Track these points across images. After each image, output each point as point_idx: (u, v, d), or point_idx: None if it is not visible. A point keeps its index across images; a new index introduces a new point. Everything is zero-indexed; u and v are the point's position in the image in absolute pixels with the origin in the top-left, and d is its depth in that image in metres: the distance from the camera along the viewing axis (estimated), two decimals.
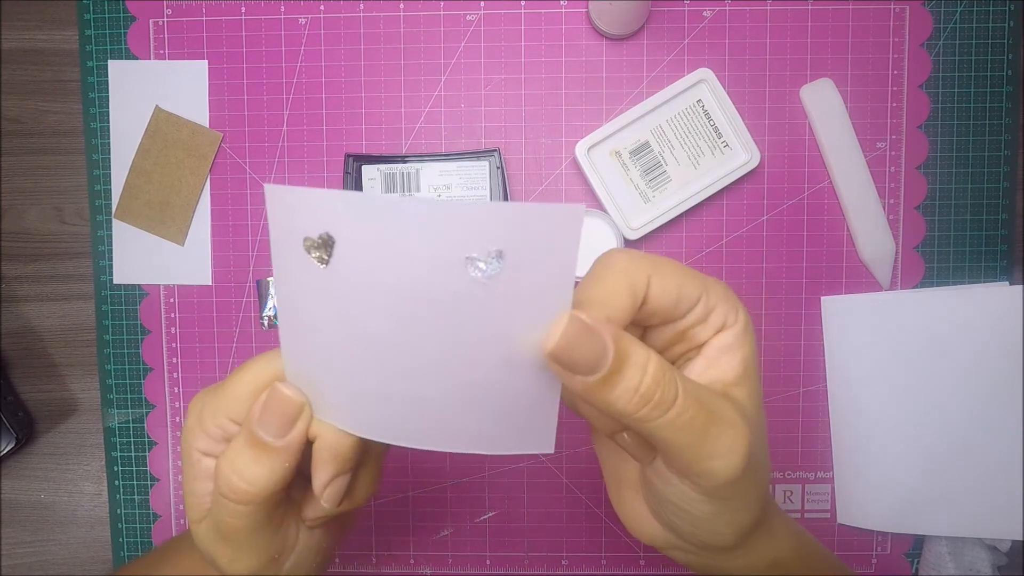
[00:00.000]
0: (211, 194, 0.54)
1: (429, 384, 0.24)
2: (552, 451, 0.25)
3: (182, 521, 0.55)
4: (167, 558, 0.38)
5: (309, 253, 0.23)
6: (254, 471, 0.27)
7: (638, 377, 0.23)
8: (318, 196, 0.22)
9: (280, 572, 0.31)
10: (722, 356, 0.27)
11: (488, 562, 0.55)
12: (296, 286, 0.24)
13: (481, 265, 0.21)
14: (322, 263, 0.23)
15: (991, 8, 0.51)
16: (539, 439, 0.25)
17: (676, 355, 0.29)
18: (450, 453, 0.54)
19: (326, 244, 0.22)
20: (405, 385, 0.24)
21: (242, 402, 0.28)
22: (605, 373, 0.23)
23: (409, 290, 0.22)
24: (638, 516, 0.29)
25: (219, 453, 0.28)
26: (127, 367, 0.55)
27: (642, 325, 0.28)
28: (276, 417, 0.27)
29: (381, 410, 0.25)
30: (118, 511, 0.55)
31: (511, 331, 0.22)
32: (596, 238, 0.49)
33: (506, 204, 0.21)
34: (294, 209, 0.23)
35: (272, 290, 0.54)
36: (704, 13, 0.52)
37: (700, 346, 0.27)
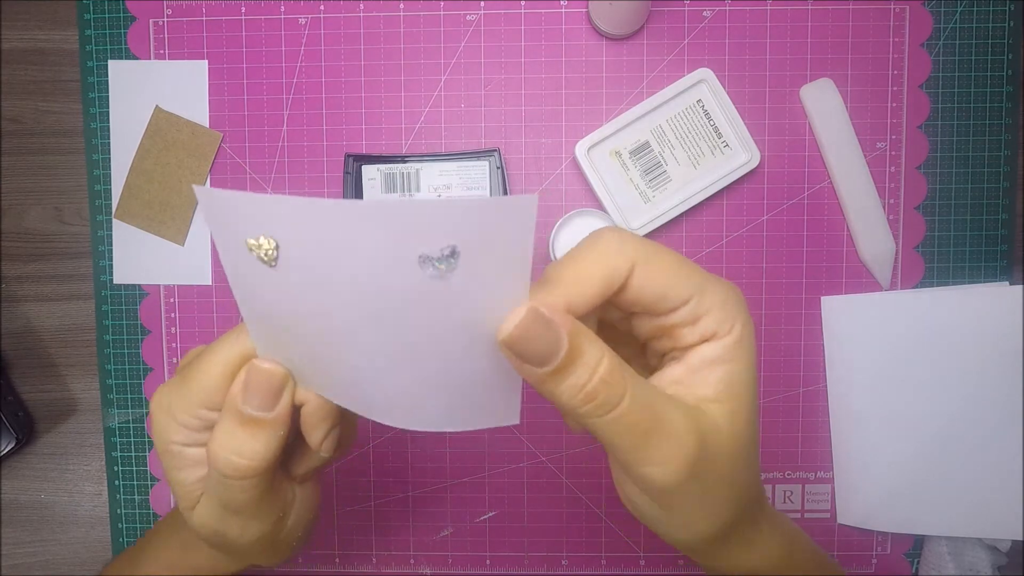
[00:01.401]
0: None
1: (394, 369, 0.24)
2: (518, 422, 0.26)
3: None
4: (145, 552, 0.38)
5: (252, 253, 0.23)
6: (252, 447, 0.27)
7: (586, 376, 0.23)
8: (255, 201, 0.22)
9: (285, 527, 0.32)
10: (704, 367, 0.25)
11: (488, 562, 0.55)
12: (249, 281, 0.24)
13: (435, 263, 0.21)
14: (270, 265, 0.23)
15: (991, 8, 0.51)
16: (505, 413, 0.26)
17: (660, 350, 0.27)
18: (449, 451, 0.54)
19: (270, 247, 0.22)
20: (371, 369, 0.25)
21: (217, 389, 0.28)
22: (556, 367, 0.23)
23: (365, 287, 0.22)
24: (625, 496, 0.29)
25: (201, 441, 0.29)
26: (127, 367, 0.55)
27: (624, 310, 0.27)
28: (261, 392, 0.27)
29: (350, 388, 0.26)
30: (118, 511, 0.55)
31: (472, 319, 0.23)
32: None
33: (456, 201, 0.21)
34: (233, 211, 0.22)
35: None
36: (704, 13, 0.52)
37: (686, 348, 0.26)
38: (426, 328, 0.23)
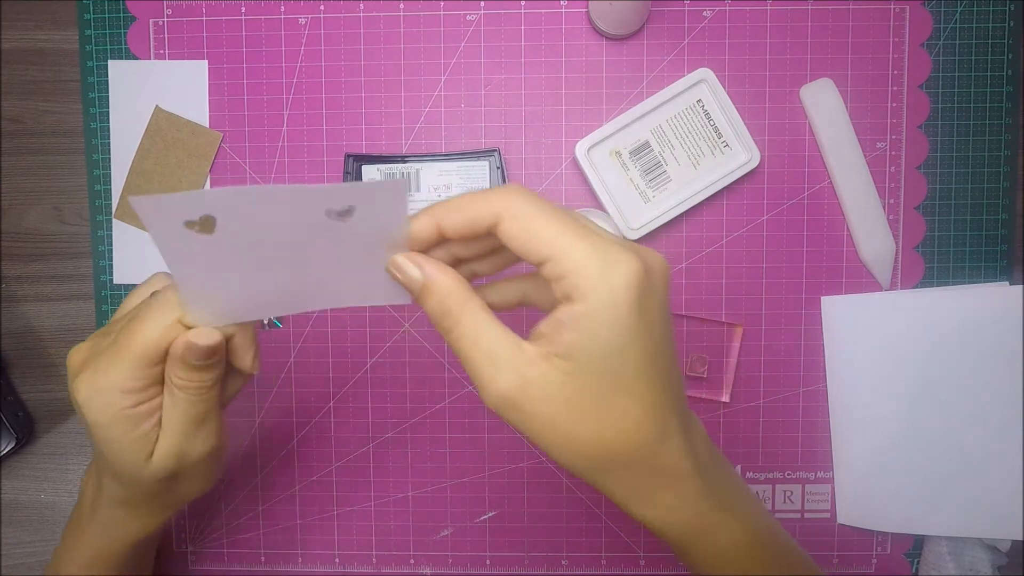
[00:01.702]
0: None
1: (313, 286, 0.33)
2: (409, 302, 0.33)
3: (182, 521, 0.55)
4: (69, 546, 0.42)
5: (192, 229, 0.29)
6: (202, 376, 0.34)
7: (431, 304, 0.30)
8: (196, 197, 0.28)
9: (225, 446, 0.39)
10: (560, 326, 0.28)
11: (488, 562, 0.55)
12: (185, 253, 0.30)
13: (338, 214, 0.29)
14: (208, 233, 0.29)
15: (991, 8, 0.51)
16: (398, 295, 0.33)
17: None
18: (449, 451, 0.54)
19: (208, 222, 0.29)
20: (296, 282, 0.33)
21: (157, 353, 0.33)
22: (417, 294, 0.31)
23: (286, 238, 0.30)
24: None
25: (148, 396, 0.34)
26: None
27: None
28: (200, 359, 0.33)
29: (278, 300, 0.33)
30: None
31: (367, 244, 0.31)
32: None
33: (347, 184, 0.31)
34: (174, 207, 0.28)
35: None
36: (704, 13, 0.52)
37: (555, 302, 0.29)
38: (335, 246, 0.31)
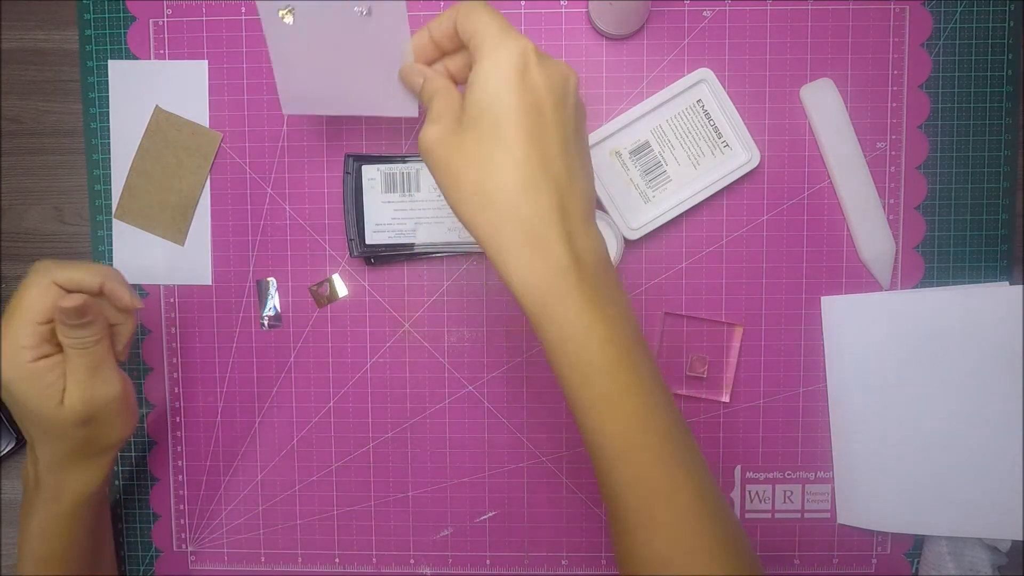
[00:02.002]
0: (211, 194, 0.54)
1: (349, 89, 0.44)
2: (416, 115, 0.44)
3: (182, 521, 0.55)
4: (25, 527, 0.46)
5: (281, 17, 0.41)
6: (83, 333, 0.42)
7: (427, 94, 0.39)
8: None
9: (129, 393, 0.46)
10: (468, 86, 0.36)
11: (488, 562, 0.55)
12: (280, 36, 0.42)
13: (361, 12, 0.40)
14: (290, 22, 0.41)
15: (991, 8, 0.51)
16: (406, 107, 0.43)
17: None
18: (449, 451, 0.54)
19: (289, 12, 0.41)
20: (338, 92, 0.44)
21: (37, 319, 0.41)
22: (419, 91, 0.40)
23: (332, 37, 0.42)
24: None
25: (46, 351, 0.42)
26: (127, 367, 0.55)
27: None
28: (73, 318, 0.41)
29: (336, 95, 0.45)
30: (118, 511, 0.55)
31: (387, 65, 0.42)
32: None
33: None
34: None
35: (272, 290, 0.54)
36: (704, 13, 0.52)
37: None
38: (363, 49, 0.41)
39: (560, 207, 0.35)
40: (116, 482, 0.55)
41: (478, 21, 0.36)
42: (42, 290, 0.41)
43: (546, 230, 0.35)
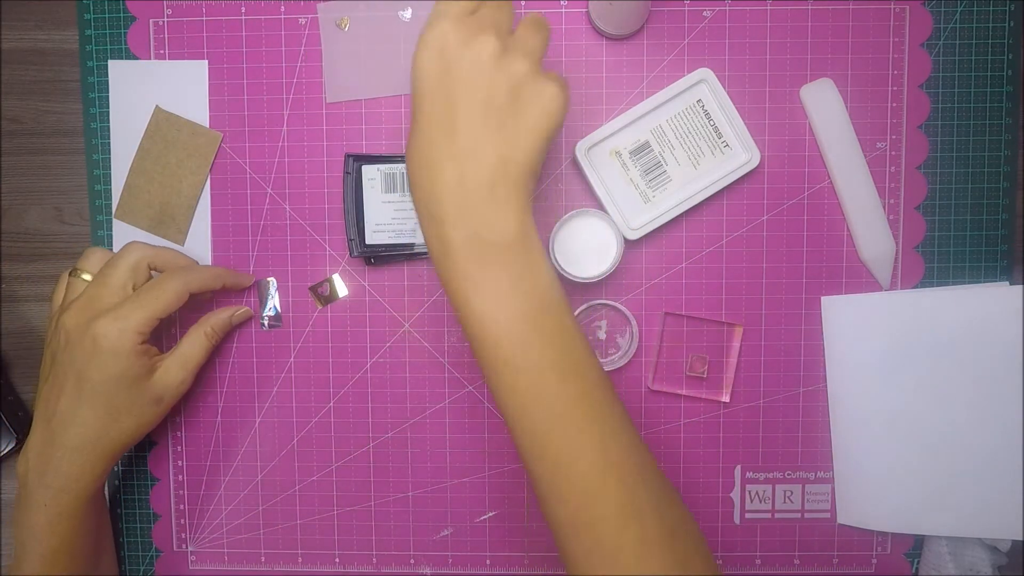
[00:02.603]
0: (211, 194, 0.54)
1: (384, 62, 0.51)
2: None
3: (182, 521, 0.55)
4: (22, 523, 0.46)
5: (338, 26, 0.49)
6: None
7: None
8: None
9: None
10: None
11: (488, 562, 0.55)
12: (332, 41, 0.51)
13: (407, 12, 0.44)
14: (345, 30, 0.49)
15: (991, 8, 0.51)
16: None
17: None
18: (449, 451, 0.54)
19: (346, 22, 0.49)
20: (372, 64, 0.52)
21: (161, 316, 0.47)
22: None
23: (382, 27, 0.50)
24: None
25: (146, 337, 0.46)
26: None
27: None
28: (241, 320, 0.54)
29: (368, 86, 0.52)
30: (118, 511, 0.55)
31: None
32: (596, 238, 0.49)
33: None
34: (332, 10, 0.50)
35: (272, 290, 0.54)
36: (704, 13, 0.52)
37: None
38: (400, 41, 0.49)
39: (456, 182, 0.37)
40: (116, 482, 0.55)
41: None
42: (177, 297, 0.46)
43: (435, 207, 0.38)
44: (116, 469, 0.55)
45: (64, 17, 0.54)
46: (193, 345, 0.49)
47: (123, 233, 0.54)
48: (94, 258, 0.50)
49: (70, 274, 0.50)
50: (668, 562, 0.36)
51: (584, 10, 0.52)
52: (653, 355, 0.53)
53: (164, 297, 0.46)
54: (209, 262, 0.54)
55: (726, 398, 0.53)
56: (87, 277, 0.49)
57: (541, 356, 0.37)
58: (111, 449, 0.46)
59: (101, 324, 0.44)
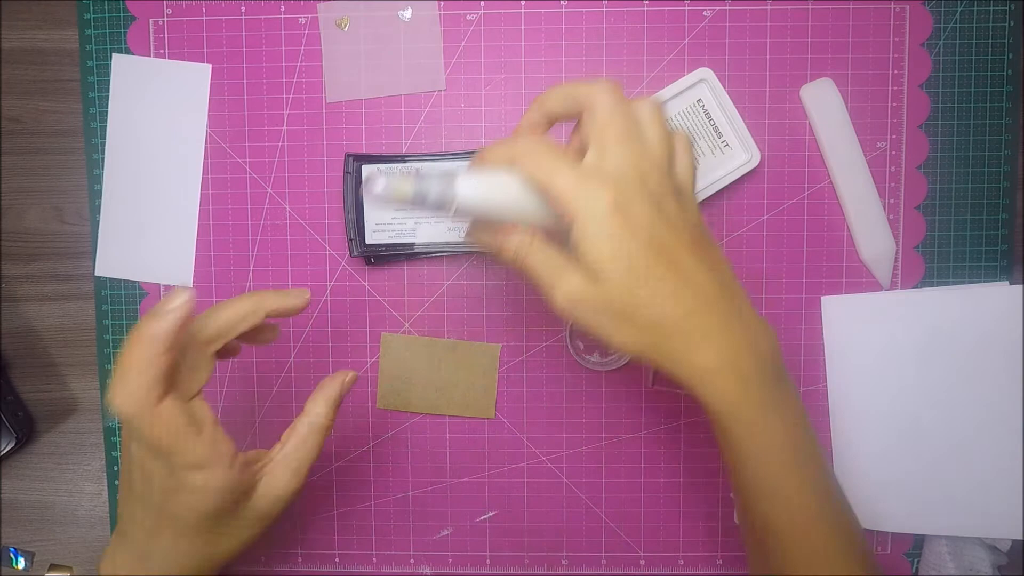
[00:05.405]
0: (211, 194, 0.54)
1: (384, 62, 0.50)
2: (444, 88, 0.50)
3: None
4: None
5: (339, 27, 0.49)
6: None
7: (508, 255, 0.37)
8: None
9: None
10: (573, 244, 0.35)
11: (488, 562, 0.55)
12: (333, 41, 0.50)
13: (406, 13, 0.43)
14: (345, 30, 0.48)
15: (991, 8, 0.51)
16: (436, 83, 0.50)
17: None
18: (449, 451, 0.54)
19: (345, 22, 0.48)
20: (372, 64, 0.52)
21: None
22: (495, 255, 0.38)
23: (381, 28, 0.50)
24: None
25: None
26: None
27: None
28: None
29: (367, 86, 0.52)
30: (118, 511, 0.55)
31: (417, 46, 0.50)
32: None
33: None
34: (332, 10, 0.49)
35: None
36: (704, 13, 0.52)
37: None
38: (399, 41, 0.48)
39: (695, 310, 0.35)
40: (116, 482, 0.55)
41: (547, 176, 0.35)
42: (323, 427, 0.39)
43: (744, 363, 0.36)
44: (116, 468, 0.55)
45: (64, 17, 0.54)
46: (302, 443, 0.39)
47: (110, 226, 0.54)
48: None
49: None
50: None
51: (585, 10, 0.52)
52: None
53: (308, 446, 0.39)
54: (211, 262, 0.54)
55: None
56: None
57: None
58: (210, 570, 0.40)
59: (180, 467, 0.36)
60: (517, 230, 0.37)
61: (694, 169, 0.38)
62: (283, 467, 0.39)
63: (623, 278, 0.34)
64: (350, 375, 0.42)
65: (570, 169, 0.34)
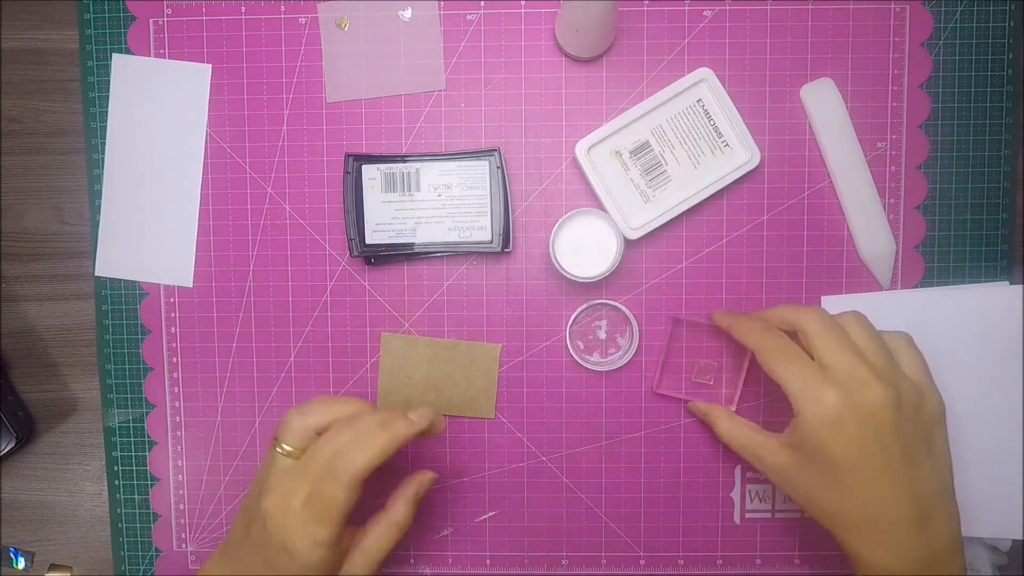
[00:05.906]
0: (211, 194, 0.54)
1: (384, 62, 0.51)
2: (443, 88, 0.52)
3: (182, 521, 0.55)
4: None
5: (339, 27, 0.51)
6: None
7: (720, 431, 0.49)
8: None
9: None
10: (792, 428, 0.43)
11: (488, 562, 0.55)
12: (331, 39, 0.51)
13: (406, 13, 0.45)
14: (345, 30, 0.50)
15: (991, 8, 0.51)
16: (436, 83, 0.50)
17: None
18: (449, 451, 0.54)
19: (346, 22, 0.49)
20: (372, 64, 0.52)
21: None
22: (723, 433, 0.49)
23: (381, 28, 0.52)
24: None
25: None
26: (127, 367, 0.55)
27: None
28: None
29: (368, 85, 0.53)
30: (118, 511, 0.55)
31: (418, 45, 0.52)
32: (597, 237, 0.49)
33: None
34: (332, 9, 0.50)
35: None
36: (704, 13, 0.52)
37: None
38: (399, 41, 0.49)
39: (917, 513, 0.41)
40: (116, 482, 0.55)
41: (784, 373, 0.42)
42: (352, 490, 0.41)
43: (893, 535, 0.41)
44: (116, 468, 0.55)
45: (64, 17, 0.54)
46: (381, 539, 0.44)
47: (109, 226, 0.54)
48: (295, 425, 0.43)
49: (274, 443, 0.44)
50: None
51: None
52: (658, 356, 0.53)
53: (344, 498, 0.40)
54: (211, 262, 0.54)
55: (732, 408, 0.53)
56: (287, 448, 0.43)
57: None
58: None
59: (294, 533, 0.40)
60: (726, 412, 0.49)
61: (924, 363, 0.43)
62: (362, 556, 0.43)
63: (817, 461, 0.41)
64: (428, 476, 0.46)
65: (802, 370, 0.41)
